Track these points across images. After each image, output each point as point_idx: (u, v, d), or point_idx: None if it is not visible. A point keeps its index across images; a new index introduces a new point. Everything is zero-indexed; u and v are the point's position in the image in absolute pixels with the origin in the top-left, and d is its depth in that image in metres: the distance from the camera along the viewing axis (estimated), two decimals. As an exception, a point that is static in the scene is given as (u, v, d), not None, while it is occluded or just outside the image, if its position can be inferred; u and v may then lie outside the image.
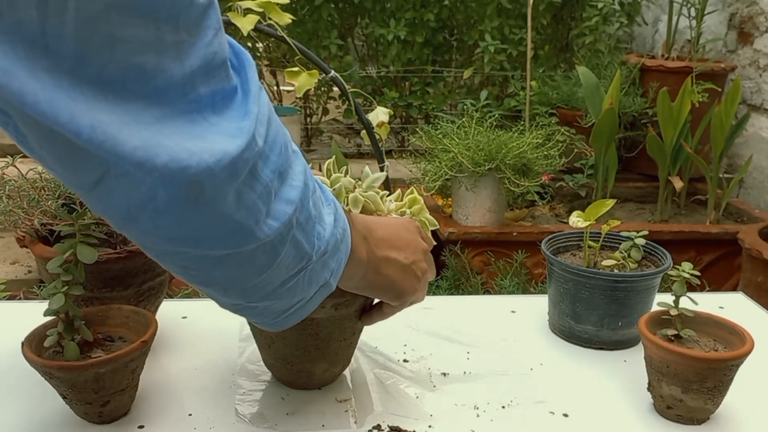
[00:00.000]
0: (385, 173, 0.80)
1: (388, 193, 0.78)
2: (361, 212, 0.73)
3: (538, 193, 2.40)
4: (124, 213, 0.41)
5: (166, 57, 0.37)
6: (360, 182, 0.77)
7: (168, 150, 0.38)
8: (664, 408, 0.77)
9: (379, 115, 1.27)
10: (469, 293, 2.09)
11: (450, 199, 2.34)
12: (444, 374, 0.85)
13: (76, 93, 0.35)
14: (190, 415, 0.75)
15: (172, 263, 0.47)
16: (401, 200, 0.79)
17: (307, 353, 0.76)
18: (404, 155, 2.96)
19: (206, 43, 0.39)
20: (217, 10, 0.40)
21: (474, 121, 2.23)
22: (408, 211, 0.78)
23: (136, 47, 0.36)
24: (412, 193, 0.79)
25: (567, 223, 2.13)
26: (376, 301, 0.76)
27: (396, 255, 0.66)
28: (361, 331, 0.80)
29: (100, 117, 0.36)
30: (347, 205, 0.74)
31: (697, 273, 0.80)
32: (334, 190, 0.75)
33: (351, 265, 0.59)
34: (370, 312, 0.75)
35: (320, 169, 0.79)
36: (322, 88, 3.34)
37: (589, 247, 0.98)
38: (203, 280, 0.49)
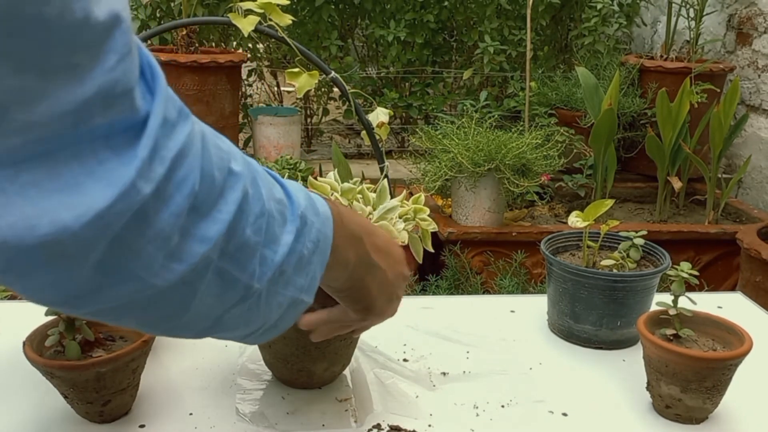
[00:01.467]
0: (397, 203, 0.78)
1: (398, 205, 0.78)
2: None
3: (537, 193, 2.40)
4: None
5: (54, 81, 0.33)
6: (368, 199, 0.77)
7: (12, 216, 0.34)
8: (663, 407, 0.77)
9: (379, 115, 1.27)
10: (469, 293, 2.09)
11: (450, 199, 2.34)
12: (443, 374, 0.85)
13: None
14: (190, 414, 0.75)
15: (79, 315, 0.44)
16: (406, 203, 0.79)
17: (308, 353, 0.76)
18: (404, 155, 2.97)
19: (107, 68, 0.34)
20: (127, 33, 0.36)
21: (473, 122, 2.23)
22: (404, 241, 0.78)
23: (15, 66, 0.32)
24: (417, 201, 0.80)
25: (566, 223, 2.13)
26: None
27: (385, 267, 0.62)
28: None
29: None
30: None
31: (696, 273, 0.80)
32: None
33: (333, 269, 0.55)
34: (313, 312, 0.66)
35: (320, 171, 0.79)
36: (323, 89, 3.35)
37: (588, 247, 0.98)
38: (122, 324, 0.44)
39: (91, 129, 0.35)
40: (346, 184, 0.77)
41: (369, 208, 0.76)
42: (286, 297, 0.50)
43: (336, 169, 0.81)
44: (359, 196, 0.77)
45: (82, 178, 0.35)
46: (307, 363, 0.77)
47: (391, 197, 0.80)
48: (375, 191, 0.79)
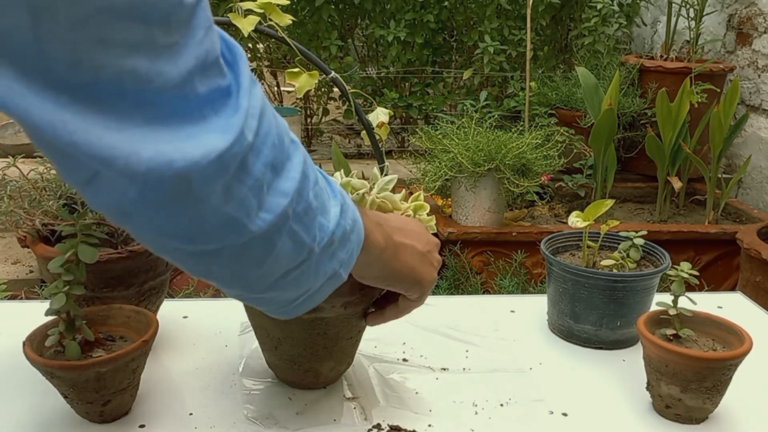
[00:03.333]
0: (395, 175, 0.80)
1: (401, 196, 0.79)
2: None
3: (537, 193, 2.40)
4: (117, 211, 0.42)
5: (160, 60, 0.38)
6: (371, 183, 0.78)
7: (151, 151, 0.39)
8: (663, 407, 0.77)
9: (379, 115, 1.27)
10: (469, 293, 2.09)
11: (450, 199, 2.34)
12: (443, 370, 0.85)
13: (64, 101, 0.36)
14: (191, 414, 0.75)
15: (172, 258, 0.47)
16: (406, 202, 0.79)
17: (315, 353, 0.76)
18: (404, 156, 2.97)
19: (198, 41, 0.39)
20: (206, 8, 0.41)
21: (473, 122, 2.23)
22: (411, 213, 0.78)
23: (128, 51, 0.36)
24: (418, 198, 0.80)
25: (566, 223, 2.13)
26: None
27: (413, 242, 0.66)
28: (365, 328, 0.81)
29: (80, 125, 0.37)
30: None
31: (696, 273, 0.80)
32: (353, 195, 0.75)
33: (367, 253, 0.59)
34: (381, 310, 0.74)
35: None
36: (323, 89, 3.35)
37: (588, 247, 0.98)
38: (204, 274, 0.49)
39: (197, 96, 0.40)
40: (346, 179, 0.77)
41: (368, 183, 0.77)
42: (330, 268, 0.54)
43: (342, 170, 0.81)
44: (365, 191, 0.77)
45: (199, 131, 0.40)
46: (315, 363, 0.77)
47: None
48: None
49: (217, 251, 0.46)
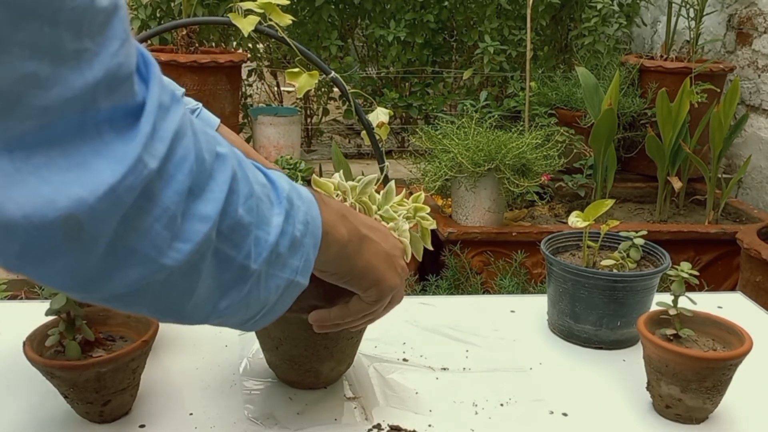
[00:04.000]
0: (376, 175, 0.80)
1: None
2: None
3: (537, 193, 2.40)
4: (9, 263, 0.37)
5: (65, 66, 0.34)
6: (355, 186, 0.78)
7: (28, 193, 0.34)
8: (663, 407, 0.77)
9: (379, 115, 1.27)
10: (469, 293, 2.09)
11: (450, 199, 2.34)
12: (443, 370, 0.85)
13: None
14: (191, 414, 0.75)
15: (92, 302, 0.44)
16: (406, 202, 0.79)
17: (316, 353, 0.76)
18: (404, 155, 2.97)
19: (112, 53, 0.36)
20: (124, 19, 0.38)
21: (473, 122, 2.23)
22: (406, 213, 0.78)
23: (28, 53, 0.33)
24: (417, 199, 0.80)
25: (566, 223, 2.13)
26: None
27: (378, 239, 0.63)
28: (365, 328, 0.81)
29: None
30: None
31: (696, 273, 0.80)
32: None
33: (326, 251, 0.57)
34: (328, 309, 0.68)
35: (320, 171, 0.79)
36: (323, 89, 3.35)
37: (588, 247, 0.98)
38: (134, 311, 0.46)
39: (96, 113, 0.36)
40: (350, 182, 0.77)
41: (349, 184, 0.77)
42: (282, 279, 0.52)
43: (342, 171, 0.81)
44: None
45: (91, 157, 0.36)
46: (315, 363, 0.77)
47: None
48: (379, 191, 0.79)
49: (132, 293, 0.42)
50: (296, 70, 1.21)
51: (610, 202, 0.97)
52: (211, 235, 0.44)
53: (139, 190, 0.38)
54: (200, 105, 0.92)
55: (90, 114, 0.36)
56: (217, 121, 0.92)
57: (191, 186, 0.42)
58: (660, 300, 0.83)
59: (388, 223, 0.75)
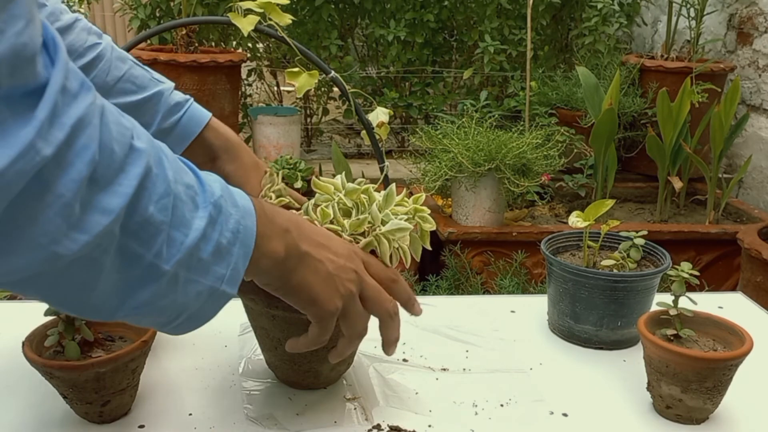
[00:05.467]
0: (361, 179, 0.79)
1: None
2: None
3: (537, 193, 2.40)
4: None
5: None
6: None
7: None
8: (664, 408, 0.77)
9: (379, 115, 1.27)
10: (469, 293, 2.09)
11: (450, 199, 2.34)
12: (443, 371, 0.85)
13: None
14: (190, 414, 0.75)
15: None
16: (406, 202, 0.79)
17: (316, 353, 0.76)
18: (404, 155, 2.97)
19: (17, 32, 0.36)
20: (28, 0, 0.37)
21: (474, 122, 2.23)
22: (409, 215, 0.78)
23: None
24: (417, 200, 0.80)
25: (566, 223, 2.13)
26: None
27: (321, 258, 0.61)
28: None
29: None
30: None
31: (697, 273, 0.80)
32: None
33: (260, 262, 0.55)
34: (295, 338, 0.67)
35: (320, 171, 0.79)
36: (323, 89, 3.35)
37: (589, 247, 0.98)
38: (34, 298, 0.44)
39: None
40: (350, 185, 0.77)
41: (371, 208, 0.76)
42: (204, 285, 0.50)
43: (343, 173, 0.81)
44: (364, 196, 0.76)
45: None
46: (315, 363, 0.77)
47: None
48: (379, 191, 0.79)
49: (25, 279, 0.41)
50: (296, 69, 1.21)
51: (610, 202, 0.97)
52: (112, 229, 0.43)
53: (30, 176, 0.37)
54: (190, 99, 0.89)
55: None
56: (208, 115, 0.89)
57: (93, 176, 0.41)
58: (660, 300, 0.83)
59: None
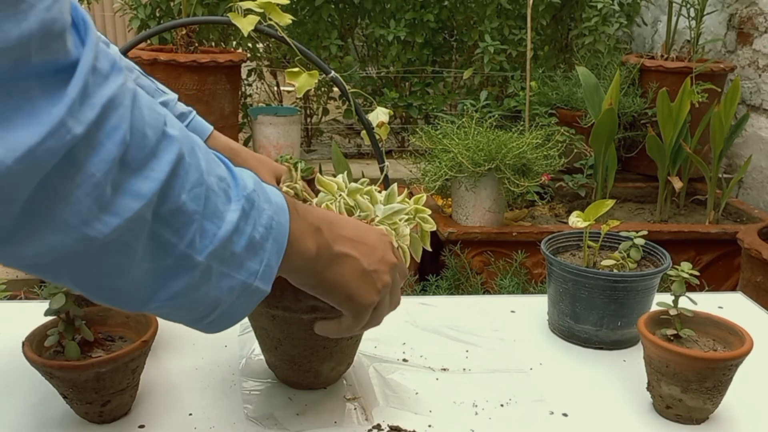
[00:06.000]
0: (364, 180, 0.79)
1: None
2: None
3: (537, 193, 2.40)
4: None
5: (1, 14, 0.33)
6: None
7: None
8: (664, 408, 0.77)
9: (379, 115, 1.27)
10: (469, 293, 2.09)
11: (450, 199, 2.34)
12: (443, 371, 0.85)
13: None
14: (190, 414, 0.75)
15: (15, 266, 0.41)
16: (407, 202, 0.79)
17: (316, 353, 0.76)
18: (404, 155, 2.97)
19: (46, 6, 0.35)
20: None
21: (474, 122, 2.23)
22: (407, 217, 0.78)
23: None
24: (418, 201, 0.80)
25: (566, 223, 2.13)
26: None
27: (357, 255, 0.61)
28: None
29: None
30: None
31: (697, 273, 0.80)
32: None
33: (290, 261, 0.54)
34: (328, 321, 0.68)
35: (320, 170, 0.79)
36: (322, 89, 3.34)
37: (589, 247, 0.98)
38: (65, 282, 0.44)
39: (27, 67, 0.35)
40: (352, 184, 0.77)
41: (376, 207, 0.76)
42: (237, 280, 0.50)
43: (345, 173, 0.81)
44: (366, 196, 0.77)
45: (13, 114, 0.35)
46: (315, 363, 0.77)
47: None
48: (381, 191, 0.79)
49: (54, 262, 0.40)
50: (296, 69, 1.21)
51: (610, 202, 0.97)
52: (144, 214, 0.42)
53: (61, 155, 0.37)
54: (193, 111, 0.94)
55: (22, 67, 0.35)
56: (210, 127, 0.94)
57: (124, 158, 0.40)
58: (660, 300, 0.83)
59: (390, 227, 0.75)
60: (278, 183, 0.88)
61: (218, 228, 0.47)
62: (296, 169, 0.85)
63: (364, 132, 1.47)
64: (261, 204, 0.51)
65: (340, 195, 0.76)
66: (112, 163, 0.40)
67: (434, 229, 0.81)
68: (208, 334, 0.53)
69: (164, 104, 0.88)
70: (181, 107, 0.92)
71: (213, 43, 3.15)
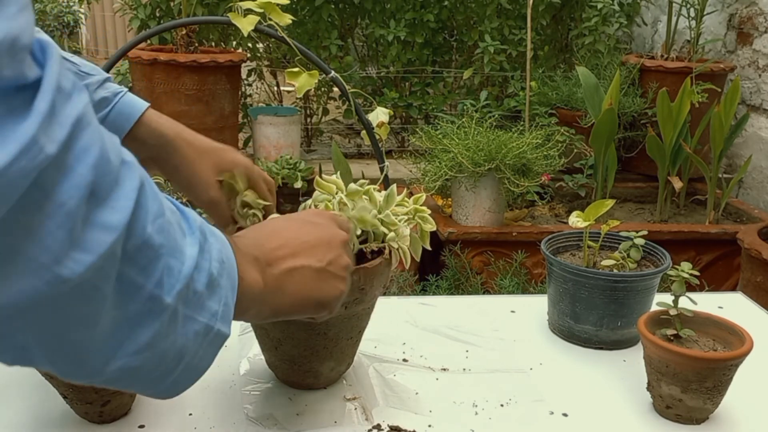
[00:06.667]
0: (363, 181, 0.79)
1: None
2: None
3: (537, 193, 2.40)
4: None
5: None
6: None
7: None
8: (664, 407, 0.77)
9: (379, 115, 1.27)
10: (469, 293, 2.09)
11: (450, 199, 2.34)
12: (443, 371, 0.85)
13: None
14: (190, 414, 0.75)
15: None
16: (407, 202, 0.79)
17: (316, 353, 0.76)
18: (404, 155, 2.97)
19: (10, 15, 0.32)
20: None
21: (474, 122, 2.23)
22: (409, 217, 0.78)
23: None
24: (418, 201, 0.80)
25: (566, 223, 2.13)
26: None
27: (303, 261, 0.56)
28: (365, 328, 0.81)
29: None
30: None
31: (697, 273, 0.80)
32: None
33: (246, 295, 0.50)
34: None
35: (320, 171, 0.79)
36: (322, 89, 3.34)
37: (589, 247, 0.98)
38: (17, 342, 0.37)
39: None
40: (352, 185, 0.77)
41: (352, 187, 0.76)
42: (201, 324, 0.45)
43: (338, 173, 0.81)
44: (365, 197, 0.77)
45: None
46: (315, 364, 0.77)
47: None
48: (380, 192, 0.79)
49: (22, 310, 0.35)
50: (296, 69, 1.21)
51: (610, 202, 0.97)
52: (115, 249, 0.38)
53: (32, 177, 0.33)
54: (121, 91, 0.77)
55: None
56: (141, 108, 0.76)
57: (94, 187, 0.36)
58: (660, 300, 0.83)
59: (389, 230, 0.75)
60: (222, 181, 0.76)
61: (182, 264, 0.43)
62: (241, 180, 0.76)
63: (364, 132, 1.47)
64: (209, 237, 0.47)
65: (339, 195, 0.76)
66: (85, 190, 0.36)
67: (434, 229, 0.81)
68: (170, 397, 0.48)
69: (87, 86, 0.71)
70: (105, 91, 0.75)
71: (213, 43, 3.15)
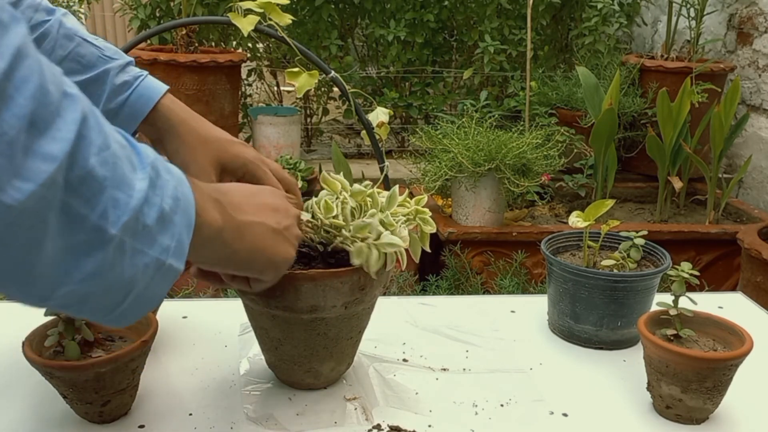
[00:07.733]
0: (367, 182, 0.79)
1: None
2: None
3: (537, 193, 2.40)
4: None
5: None
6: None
7: None
8: (664, 408, 0.77)
9: (379, 115, 1.27)
10: (469, 293, 2.09)
11: (450, 199, 2.34)
12: (443, 371, 0.85)
13: None
14: (190, 414, 0.75)
15: None
16: (408, 203, 0.79)
17: (316, 353, 0.76)
18: (404, 155, 2.97)
19: None
20: None
21: (474, 122, 2.23)
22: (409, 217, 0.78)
23: None
24: (419, 202, 0.80)
25: (566, 223, 2.13)
26: None
27: (262, 219, 0.59)
28: (365, 328, 0.81)
29: None
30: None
31: (697, 273, 0.80)
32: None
33: (202, 233, 0.51)
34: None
35: (320, 170, 0.79)
36: (322, 89, 3.35)
37: (589, 247, 0.98)
38: None
39: None
40: (356, 186, 0.77)
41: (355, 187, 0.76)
42: (151, 258, 0.46)
43: (341, 173, 0.81)
44: (368, 198, 0.76)
45: None
46: (315, 363, 0.77)
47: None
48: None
49: None
50: (296, 69, 1.21)
51: (610, 202, 0.97)
52: (56, 178, 0.38)
53: None
54: (142, 74, 0.80)
55: None
56: (160, 91, 0.79)
57: (34, 116, 0.37)
58: (660, 300, 0.83)
59: (386, 229, 0.74)
60: (221, 174, 0.77)
61: (129, 197, 0.44)
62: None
63: (364, 132, 1.47)
64: (164, 174, 0.48)
65: (343, 194, 0.76)
66: (24, 120, 0.36)
67: (434, 231, 0.81)
68: (120, 326, 0.50)
69: (105, 73, 0.76)
70: (127, 75, 0.78)
71: (213, 43, 3.15)
